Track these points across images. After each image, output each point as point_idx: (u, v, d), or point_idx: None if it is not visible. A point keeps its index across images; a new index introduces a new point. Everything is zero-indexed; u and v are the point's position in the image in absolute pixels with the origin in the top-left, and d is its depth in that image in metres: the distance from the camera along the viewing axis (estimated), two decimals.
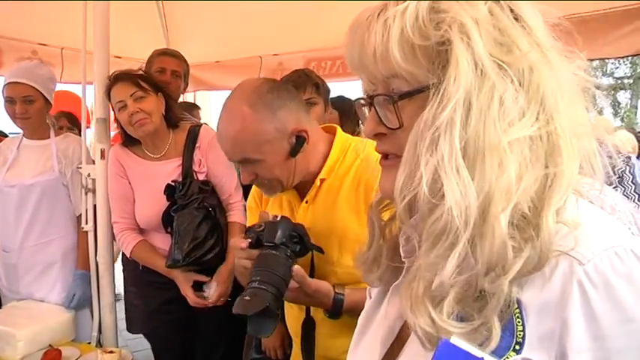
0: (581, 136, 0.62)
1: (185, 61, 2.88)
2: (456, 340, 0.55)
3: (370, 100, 0.69)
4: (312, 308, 1.40)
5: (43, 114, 2.51)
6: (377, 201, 0.81)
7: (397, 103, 0.64)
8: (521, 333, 0.58)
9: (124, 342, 3.69)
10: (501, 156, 0.57)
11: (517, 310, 0.59)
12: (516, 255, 0.57)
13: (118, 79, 2.18)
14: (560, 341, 0.57)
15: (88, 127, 2.61)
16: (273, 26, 3.70)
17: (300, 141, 1.32)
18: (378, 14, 0.64)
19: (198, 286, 2.21)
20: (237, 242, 1.30)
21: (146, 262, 2.29)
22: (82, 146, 2.50)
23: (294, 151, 1.31)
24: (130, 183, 2.31)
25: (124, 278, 2.60)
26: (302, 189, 1.42)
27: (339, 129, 1.46)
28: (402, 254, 0.74)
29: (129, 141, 2.29)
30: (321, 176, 1.38)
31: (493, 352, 0.57)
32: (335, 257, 1.34)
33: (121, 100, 2.15)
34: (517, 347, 0.58)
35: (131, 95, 2.14)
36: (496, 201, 0.57)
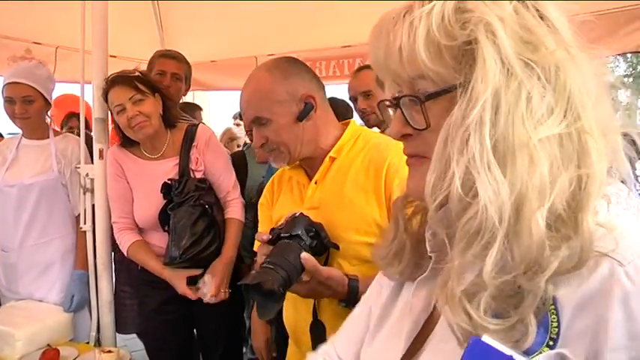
0: (609, 135, 0.62)
1: (187, 63, 2.88)
2: (486, 338, 0.56)
3: (396, 101, 0.69)
4: (319, 310, 1.41)
5: (43, 114, 2.51)
6: (402, 197, 0.82)
7: (424, 104, 0.65)
8: (556, 329, 0.59)
9: (122, 342, 3.69)
10: (532, 154, 0.57)
11: (552, 307, 0.59)
12: (554, 254, 0.58)
13: (115, 82, 2.18)
14: (596, 339, 0.57)
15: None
16: (268, 27, 3.72)
17: (308, 107, 1.39)
18: (404, 15, 0.64)
19: (192, 282, 2.21)
20: (260, 235, 1.36)
21: (141, 262, 2.29)
22: (80, 146, 2.50)
23: (301, 116, 1.39)
24: (128, 183, 2.32)
25: (117, 278, 2.60)
26: (311, 169, 1.47)
27: (353, 121, 1.54)
28: (427, 249, 0.75)
29: (127, 142, 2.30)
30: (331, 154, 1.43)
31: (528, 348, 0.58)
32: (338, 233, 1.36)
33: (119, 104, 2.16)
34: (551, 343, 0.59)
35: (130, 99, 2.14)
36: (530, 199, 0.57)
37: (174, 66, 2.81)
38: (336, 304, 1.35)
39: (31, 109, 2.43)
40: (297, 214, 1.34)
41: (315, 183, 1.44)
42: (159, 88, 2.27)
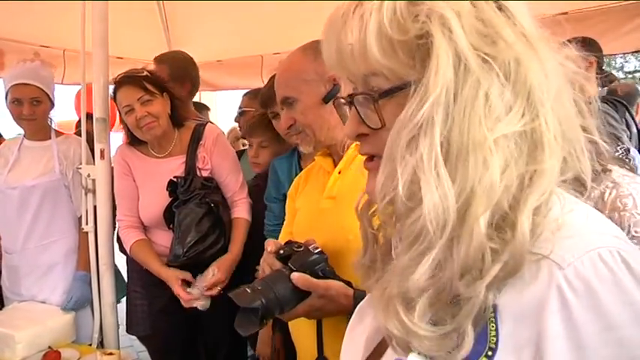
0: (567, 131, 0.59)
1: (177, 64, 2.83)
2: (412, 358, 0.54)
3: (350, 99, 0.66)
4: (324, 336, 1.31)
5: (47, 115, 2.53)
6: (364, 206, 0.78)
7: (377, 102, 0.61)
8: (494, 339, 0.56)
9: (129, 342, 3.70)
10: (486, 154, 0.54)
11: (492, 315, 0.56)
12: (494, 258, 0.54)
13: (123, 82, 2.18)
14: (539, 350, 0.53)
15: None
16: (274, 25, 3.69)
17: (335, 89, 1.33)
18: (354, 9, 0.61)
19: (188, 285, 2.20)
20: (269, 243, 1.28)
21: (142, 260, 2.29)
22: (81, 146, 2.49)
23: (327, 97, 1.33)
24: (134, 181, 2.32)
25: (129, 278, 2.59)
26: (338, 157, 1.42)
27: None
28: (393, 255, 0.72)
29: (134, 140, 2.30)
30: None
31: (465, 358, 0.55)
32: (352, 225, 1.27)
33: (127, 105, 2.16)
34: (489, 353, 0.55)
35: (138, 99, 2.14)
36: (477, 202, 0.54)
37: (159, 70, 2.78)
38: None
39: (39, 110, 2.45)
40: (317, 251, 1.23)
41: (339, 173, 1.39)
42: (166, 88, 2.26)
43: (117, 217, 2.36)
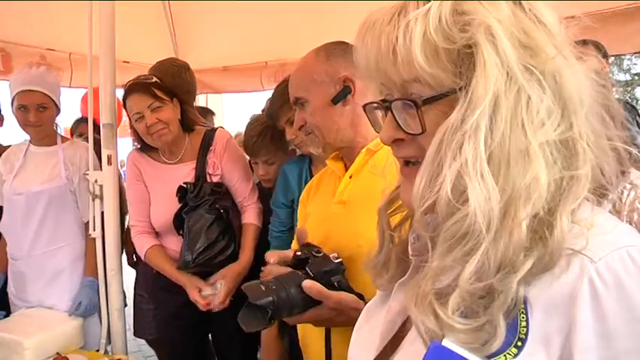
0: (598, 140, 0.62)
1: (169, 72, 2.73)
2: (446, 342, 0.55)
3: (386, 104, 0.66)
4: (332, 342, 1.28)
5: (53, 121, 2.53)
6: (385, 205, 0.80)
7: (421, 108, 0.62)
8: (524, 329, 0.57)
9: (137, 347, 3.70)
10: (528, 159, 0.57)
11: (522, 307, 0.58)
12: (527, 254, 0.57)
13: (132, 89, 2.19)
14: (568, 340, 0.55)
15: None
16: (278, 32, 3.71)
17: (345, 90, 1.32)
18: (398, 15, 0.62)
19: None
20: (270, 255, 1.25)
21: (157, 266, 2.29)
22: (89, 152, 2.48)
23: (336, 98, 1.32)
24: (146, 187, 2.33)
25: (136, 282, 2.59)
26: (350, 161, 1.40)
27: None
28: (410, 252, 0.74)
29: (145, 146, 2.31)
30: (369, 146, 1.35)
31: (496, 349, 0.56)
32: (362, 231, 1.22)
33: (138, 112, 2.17)
34: (519, 344, 0.57)
35: (148, 106, 2.15)
36: (519, 204, 0.56)
37: None
38: None
39: (45, 116, 2.45)
40: (337, 260, 1.19)
41: (350, 177, 1.37)
42: (176, 93, 2.27)
43: (130, 223, 2.37)
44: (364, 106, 0.73)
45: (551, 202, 0.58)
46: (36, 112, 2.40)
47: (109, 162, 2.35)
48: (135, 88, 2.19)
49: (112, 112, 2.34)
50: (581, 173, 0.59)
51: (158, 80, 2.25)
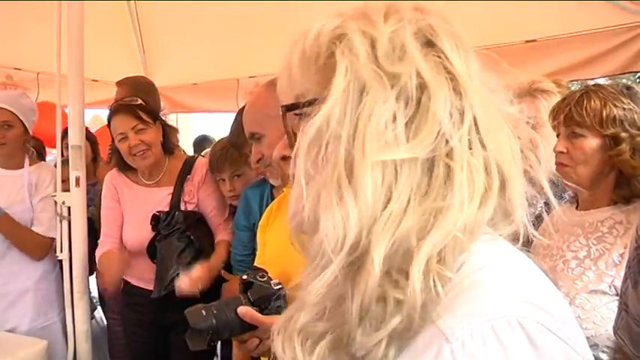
0: (504, 165, 0.55)
1: (138, 87, 2.84)
2: None
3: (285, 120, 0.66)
4: None
5: (20, 142, 2.50)
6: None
7: (286, 116, 0.63)
8: None
9: None
10: (379, 178, 0.51)
11: None
12: (396, 311, 0.49)
13: (118, 110, 2.23)
14: None
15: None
16: (249, 49, 3.72)
17: None
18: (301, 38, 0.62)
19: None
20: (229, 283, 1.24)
21: (103, 268, 2.26)
22: (55, 174, 2.47)
23: None
24: (121, 207, 2.34)
25: (107, 304, 2.57)
26: None
27: None
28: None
29: (124, 166, 2.32)
30: None
31: None
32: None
33: (122, 132, 2.20)
34: None
35: (132, 128, 2.19)
36: (375, 232, 0.50)
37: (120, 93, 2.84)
38: None
39: (9, 135, 2.42)
40: (277, 288, 1.21)
41: None
42: (159, 116, 2.31)
43: (99, 240, 2.36)
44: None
45: (416, 240, 0.50)
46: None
47: (77, 184, 2.34)
48: (120, 109, 2.24)
49: (81, 133, 2.34)
50: (452, 204, 0.51)
51: (143, 102, 2.28)
